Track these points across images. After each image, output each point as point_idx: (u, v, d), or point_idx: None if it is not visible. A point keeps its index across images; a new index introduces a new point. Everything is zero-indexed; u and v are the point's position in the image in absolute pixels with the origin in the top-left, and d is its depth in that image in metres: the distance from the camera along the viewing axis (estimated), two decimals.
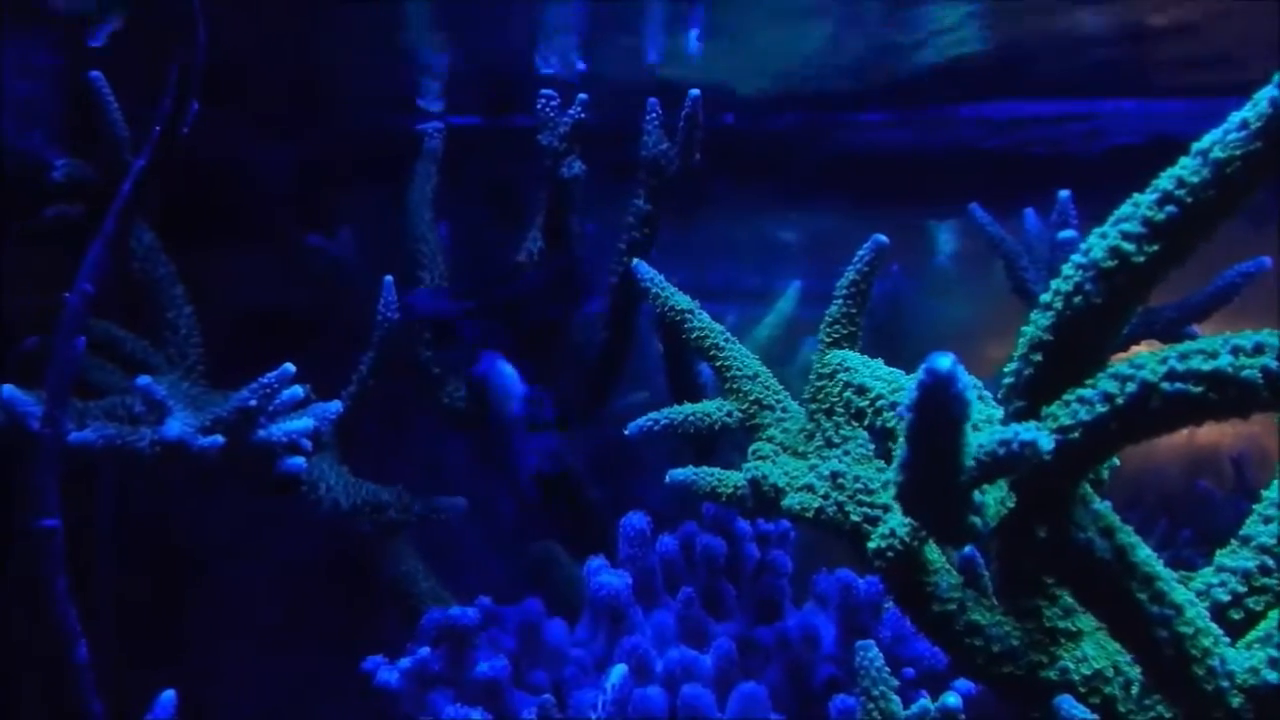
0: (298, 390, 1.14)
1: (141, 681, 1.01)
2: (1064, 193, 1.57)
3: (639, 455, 1.92)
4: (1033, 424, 0.64)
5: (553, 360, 1.58)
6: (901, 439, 0.62)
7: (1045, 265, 1.61)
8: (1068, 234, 1.51)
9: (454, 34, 1.67)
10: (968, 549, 0.88)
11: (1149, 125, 2.17)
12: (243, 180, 1.87)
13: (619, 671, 0.97)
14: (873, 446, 0.98)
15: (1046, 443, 0.57)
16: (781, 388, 1.09)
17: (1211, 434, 2.31)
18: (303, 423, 1.14)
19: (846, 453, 0.97)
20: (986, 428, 0.64)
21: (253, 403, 1.08)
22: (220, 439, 1.08)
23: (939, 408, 0.55)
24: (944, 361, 0.53)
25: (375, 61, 1.77)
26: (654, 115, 1.38)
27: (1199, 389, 0.60)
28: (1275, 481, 0.79)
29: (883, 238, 1.00)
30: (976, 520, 0.65)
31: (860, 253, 1.01)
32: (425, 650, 1.15)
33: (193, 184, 1.36)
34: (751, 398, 1.08)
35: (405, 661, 1.15)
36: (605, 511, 1.67)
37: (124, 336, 1.32)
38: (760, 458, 1.04)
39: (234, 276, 1.79)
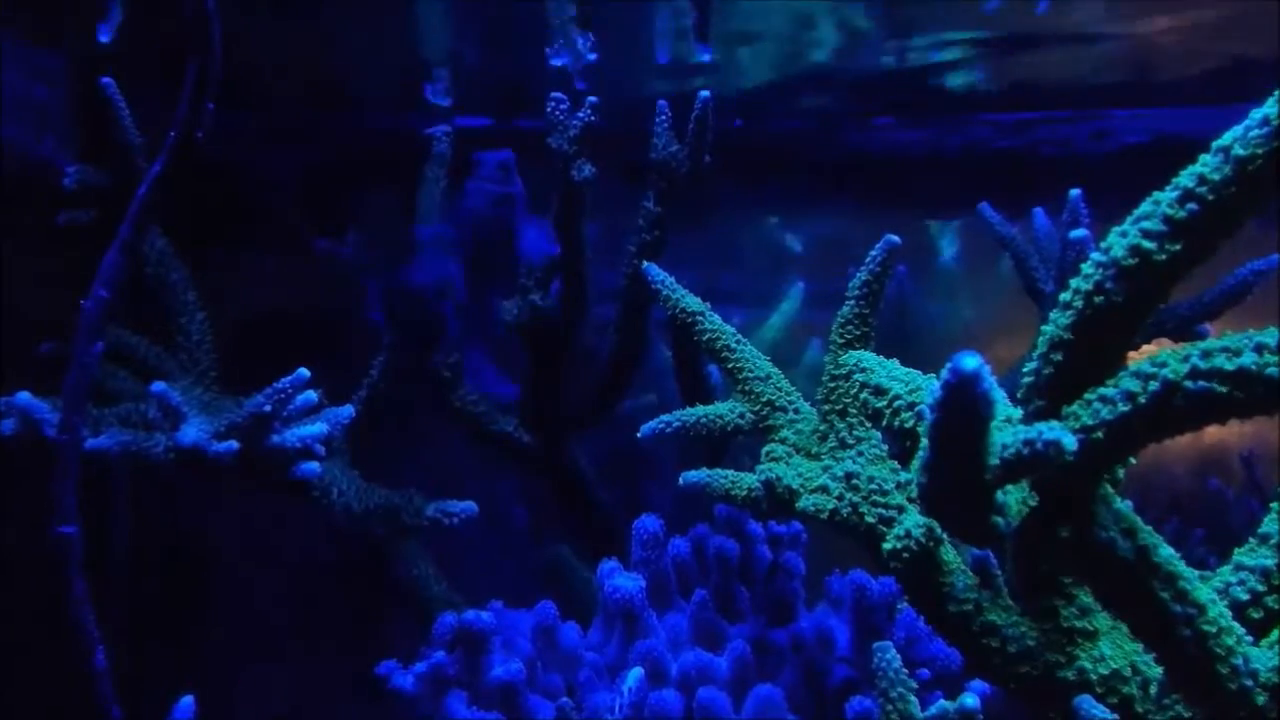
0: (312, 395, 1.14)
1: (154, 685, 1.01)
2: (1075, 191, 1.57)
3: (648, 457, 1.92)
4: (1056, 423, 0.64)
5: (560, 363, 1.58)
6: (924, 439, 0.62)
7: (1055, 265, 1.60)
8: (1079, 233, 1.50)
9: (464, 24, 1.67)
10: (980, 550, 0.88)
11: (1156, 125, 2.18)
12: (252, 183, 1.88)
13: (636, 675, 0.97)
14: (886, 447, 0.98)
15: (1071, 442, 0.57)
16: (793, 389, 1.09)
17: (1219, 432, 2.30)
18: (316, 428, 1.14)
19: (860, 454, 0.97)
20: (1007, 427, 0.64)
21: (267, 408, 1.08)
22: (235, 444, 1.08)
23: (965, 407, 0.55)
24: (970, 361, 0.53)
25: (385, 58, 1.77)
26: (664, 118, 1.38)
27: (1223, 387, 0.60)
28: None
29: (895, 238, 1.00)
30: (999, 520, 0.65)
31: (872, 253, 1.01)
32: (440, 654, 1.15)
33: (203, 187, 1.36)
34: (764, 399, 1.08)
35: (420, 665, 1.14)
36: (615, 514, 1.67)
37: (137, 343, 1.33)
38: (773, 459, 1.04)
39: (244, 281, 1.79)
